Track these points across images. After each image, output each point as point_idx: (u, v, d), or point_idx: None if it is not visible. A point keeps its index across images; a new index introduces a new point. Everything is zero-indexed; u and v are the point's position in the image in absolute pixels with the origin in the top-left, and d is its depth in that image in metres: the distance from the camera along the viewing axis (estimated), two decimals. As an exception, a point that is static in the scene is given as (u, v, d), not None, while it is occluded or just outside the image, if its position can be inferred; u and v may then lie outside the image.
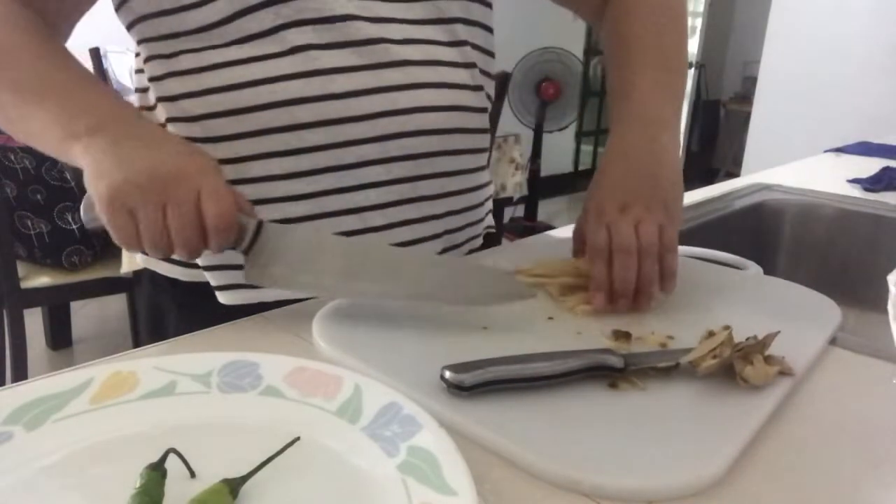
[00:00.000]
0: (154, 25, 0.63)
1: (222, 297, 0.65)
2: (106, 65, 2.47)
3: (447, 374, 0.44)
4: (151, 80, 0.65)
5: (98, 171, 0.51)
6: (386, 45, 0.62)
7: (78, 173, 0.52)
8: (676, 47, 0.72)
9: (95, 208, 0.51)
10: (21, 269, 1.79)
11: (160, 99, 0.65)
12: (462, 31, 0.68)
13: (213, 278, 0.65)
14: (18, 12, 0.59)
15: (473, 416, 0.42)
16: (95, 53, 2.39)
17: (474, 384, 0.43)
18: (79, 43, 0.71)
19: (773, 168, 1.38)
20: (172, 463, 0.35)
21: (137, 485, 0.33)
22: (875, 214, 1.10)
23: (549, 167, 4.59)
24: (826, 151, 1.63)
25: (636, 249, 0.57)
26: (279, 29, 0.60)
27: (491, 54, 0.74)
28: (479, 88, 0.71)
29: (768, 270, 0.72)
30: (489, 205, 0.79)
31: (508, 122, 3.33)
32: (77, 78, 0.58)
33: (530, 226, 3.85)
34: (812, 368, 0.52)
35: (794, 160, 1.49)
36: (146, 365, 0.43)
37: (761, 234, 1.15)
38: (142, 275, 0.73)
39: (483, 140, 0.73)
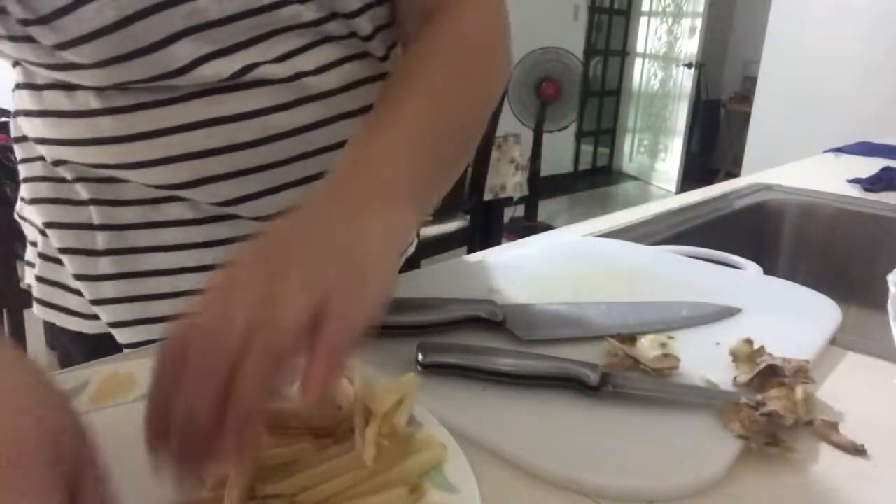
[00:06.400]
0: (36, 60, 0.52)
1: (120, 336, 0.59)
2: None
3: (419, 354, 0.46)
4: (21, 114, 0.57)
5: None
6: (302, 81, 0.54)
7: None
8: (469, 116, 0.53)
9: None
10: (21, 269, 1.79)
11: (40, 141, 0.56)
12: (379, 46, 0.60)
13: (104, 314, 0.58)
14: None
15: (473, 416, 0.42)
16: None
17: (430, 364, 0.46)
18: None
19: (773, 168, 1.38)
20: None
21: None
22: (875, 214, 1.10)
23: (549, 167, 4.59)
24: (826, 151, 1.63)
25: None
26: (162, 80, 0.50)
27: None
28: None
29: (768, 270, 0.72)
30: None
31: (508, 121, 3.33)
32: None
33: (530, 226, 3.85)
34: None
35: (794, 160, 1.49)
36: (143, 366, 0.43)
37: (761, 234, 1.15)
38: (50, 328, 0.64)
39: None
